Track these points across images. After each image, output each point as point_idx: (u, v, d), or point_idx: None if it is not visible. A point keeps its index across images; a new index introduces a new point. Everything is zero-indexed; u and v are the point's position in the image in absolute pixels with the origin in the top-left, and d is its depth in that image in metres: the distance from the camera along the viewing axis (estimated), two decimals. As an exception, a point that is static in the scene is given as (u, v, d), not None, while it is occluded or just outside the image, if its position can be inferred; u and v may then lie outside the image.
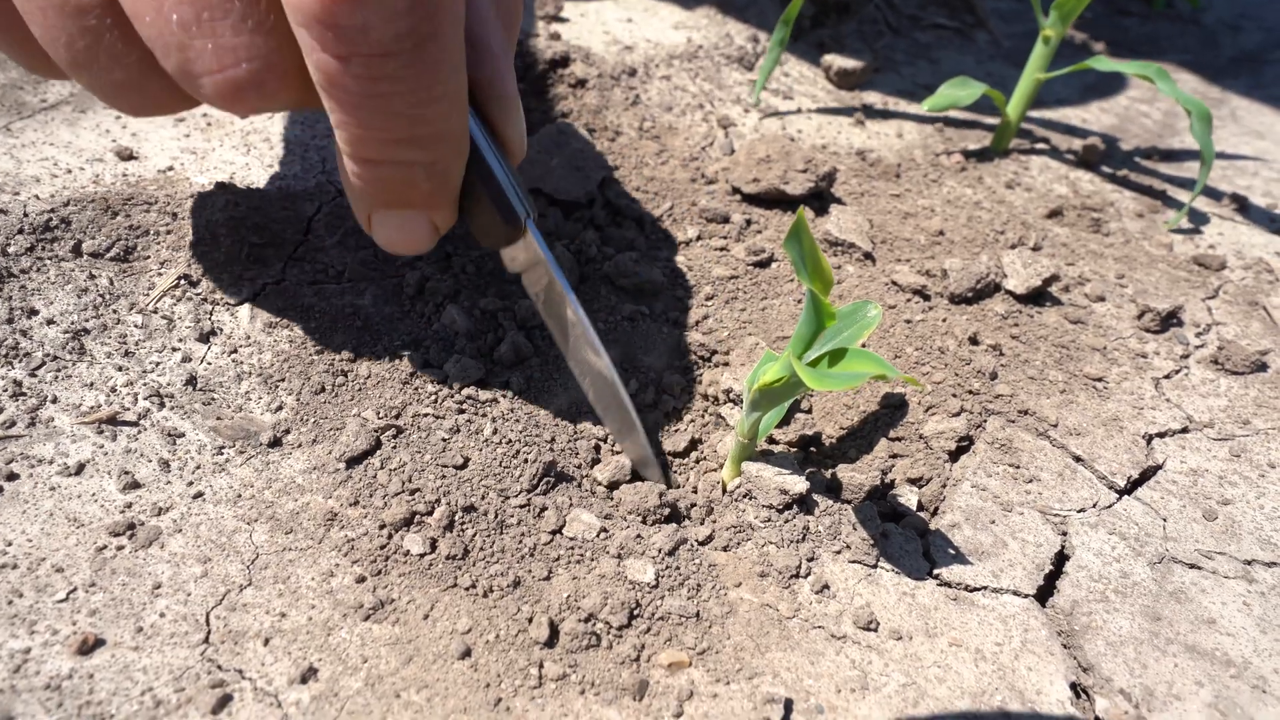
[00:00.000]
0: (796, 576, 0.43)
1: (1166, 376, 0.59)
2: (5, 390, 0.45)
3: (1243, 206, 0.80)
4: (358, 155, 0.37)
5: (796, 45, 0.96)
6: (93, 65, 0.37)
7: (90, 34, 0.36)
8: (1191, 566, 0.47)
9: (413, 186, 0.38)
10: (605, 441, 0.50)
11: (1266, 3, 1.30)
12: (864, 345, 0.54)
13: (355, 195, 0.40)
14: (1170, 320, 0.63)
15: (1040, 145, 0.87)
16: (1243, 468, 0.53)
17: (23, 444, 0.44)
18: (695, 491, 0.49)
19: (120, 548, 0.40)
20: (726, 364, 0.55)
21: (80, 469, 0.43)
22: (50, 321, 0.48)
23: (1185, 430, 0.55)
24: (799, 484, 0.45)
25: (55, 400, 0.46)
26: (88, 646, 0.36)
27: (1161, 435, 0.55)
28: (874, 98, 0.91)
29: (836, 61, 0.91)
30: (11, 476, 0.42)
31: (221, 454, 0.46)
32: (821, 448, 0.53)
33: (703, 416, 0.53)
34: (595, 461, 0.48)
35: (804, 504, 0.46)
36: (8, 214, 0.52)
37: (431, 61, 0.33)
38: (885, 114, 0.88)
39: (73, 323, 0.49)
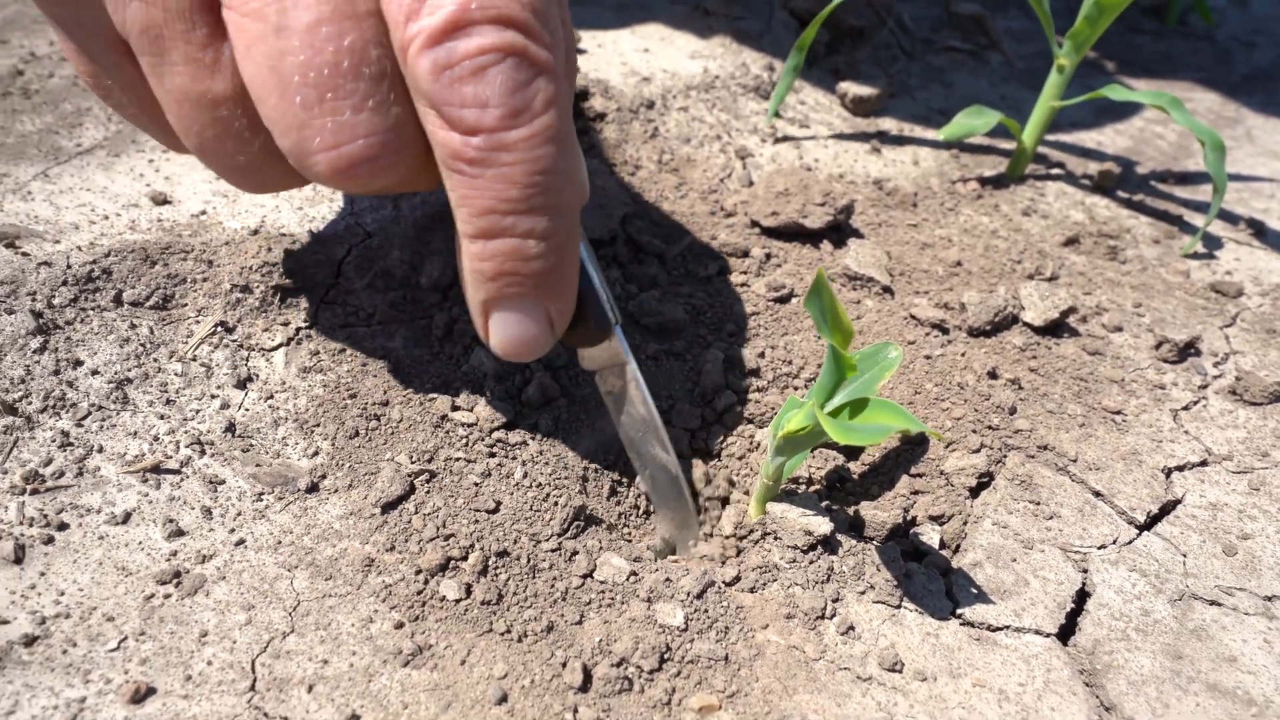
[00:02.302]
0: (822, 618, 0.44)
1: (1185, 408, 0.60)
2: (54, 441, 0.47)
3: (1259, 231, 0.80)
4: (477, 230, 0.38)
5: (811, 72, 0.98)
6: (220, 151, 0.39)
7: (220, 124, 0.38)
8: (1212, 603, 0.47)
9: (529, 262, 0.38)
10: (624, 485, 0.51)
11: (1280, 17, 1.30)
12: (885, 384, 0.55)
13: (475, 284, 0.40)
14: (1188, 350, 0.64)
15: (1056, 170, 0.87)
16: (1262, 501, 0.54)
17: (72, 494, 0.45)
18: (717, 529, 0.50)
19: (167, 596, 0.42)
20: (746, 407, 0.56)
21: (127, 518, 0.45)
22: (95, 372, 0.50)
23: (1204, 463, 0.56)
24: (823, 525, 0.46)
25: (101, 450, 0.47)
26: (140, 695, 0.38)
27: (1180, 469, 0.55)
28: (889, 124, 0.92)
29: (851, 89, 0.92)
30: (62, 526, 0.44)
31: (261, 500, 0.47)
32: (846, 484, 0.54)
33: (732, 459, 0.54)
34: (629, 507, 0.50)
35: (828, 544, 0.47)
36: (52, 266, 0.53)
37: (549, 134, 0.35)
38: (901, 140, 0.89)
39: (116, 372, 0.50)
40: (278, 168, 0.40)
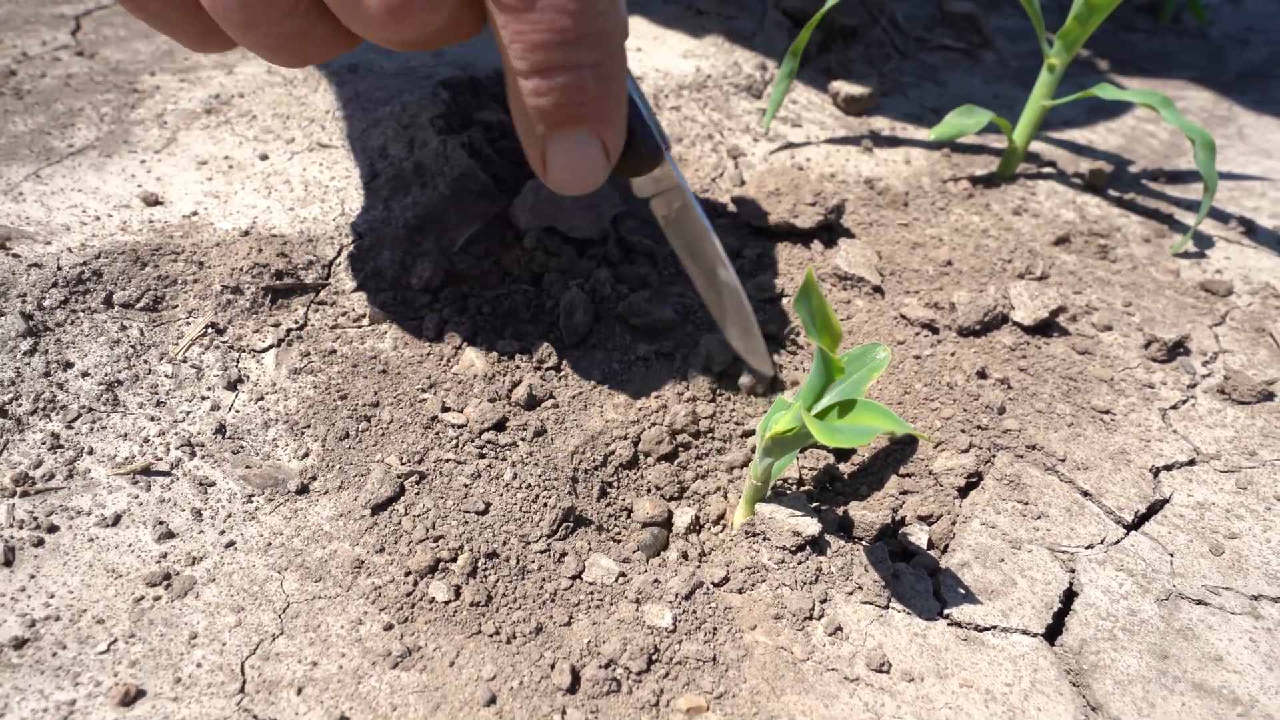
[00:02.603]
0: (810, 618, 0.44)
1: (1173, 407, 0.60)
2: (44, 443, 0.47)
3: (1250, 229, 0.81)
4: (531, 65, 0.38)
5: (804, 71, 0.98)
6: (264, 20, 0.39)
7: None
8: (1199, 603, 0.47)
9: (584, 92, 0.39)
10: (613, 486, 0.51)
11: (1274, 15, 1.31)
12: (874, 385, 0.55)
13: (532, 117, 0.41)
14: (1177, 349, 0.64)
15: (1047, 169, 0.87)
16: (1249, 500, 0.54)
17: (62, 496, 0.45)
18: (700, 529, 0.50)
19: (157, 598, 0.42)
20: (734, 408, 0.56)
21: (117, 520, 0.45)
22: (85, 374, 0.50)
23: (1192, 463, 0.56)
24: (811, 526, 0.47)
25: (91, 452, 0.47)
26: (129, 698, 0.38)
27: (1168, 468, 0.56)
28: (881, 123, 0.92)
29: (844, 88, 0.92)
30: (52, 529, 0.44)
31: (251, 502, 0.47)
32: (835, 484, 0.54)
33: (719, 456, 0.54)
34: (618, 509, 0.50)
35: (816, 545, 0.47)
36: (42, 267, 0.53)
37: None
38: (893, 140, 0.89)
39: (106, 374, 0.50)
40: (323, 28, 0.40)
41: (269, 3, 0.38)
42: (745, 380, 0.56)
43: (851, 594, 0.46)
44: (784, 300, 0.64)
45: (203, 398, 0.51)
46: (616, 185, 0.73)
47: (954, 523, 0.51)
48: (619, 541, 0.49)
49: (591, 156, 0.42)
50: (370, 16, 0.37)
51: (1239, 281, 0.74)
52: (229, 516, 0.46)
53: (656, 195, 0.51)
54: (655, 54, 0.95)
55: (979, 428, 0.56)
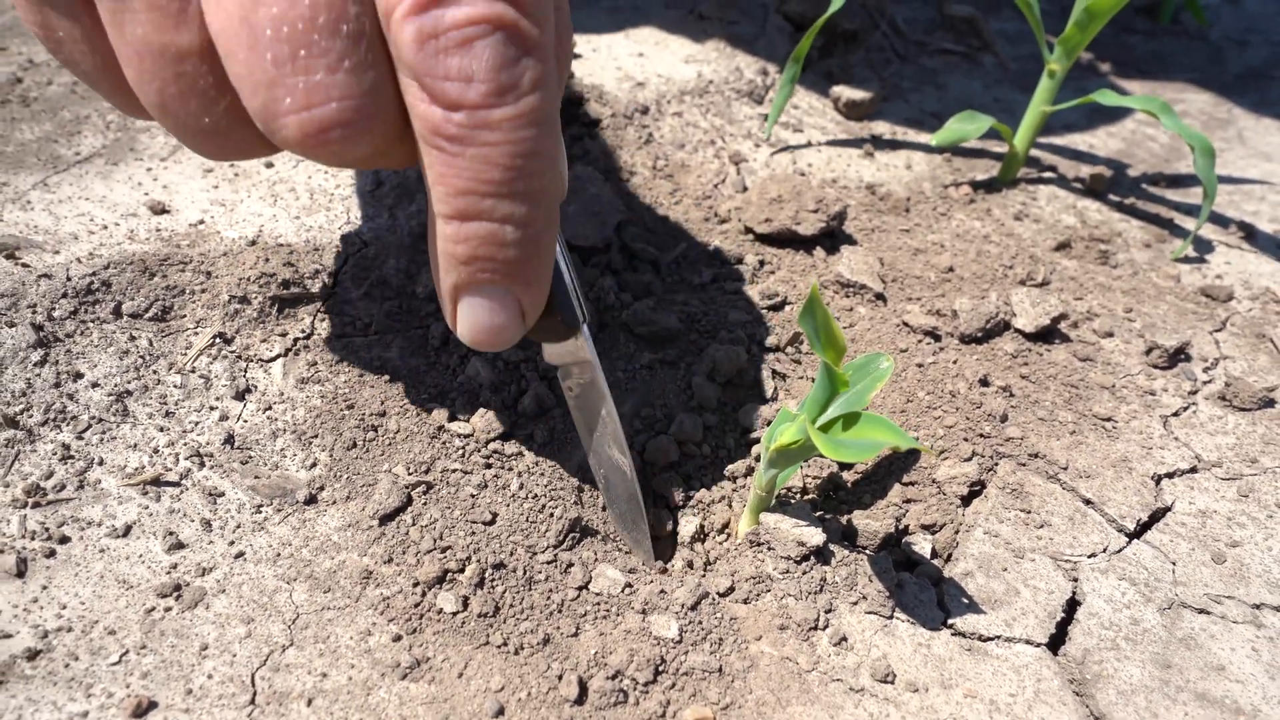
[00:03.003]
0: (815, 629, 0.45)
1: (1175, 414, 0.61)
2: (55, 454, 0.47)
3: (1250, 234, 0.81)
4: (453, 210, 0.36)
5: (805, 76, 0.98)
6: (182, 111, 0.37)
7: (184, 80, 0.36)
8: (1201, 611, 0.48)
9: (505, 249, 0.37)
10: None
11: (1273, 16, 1.31)
12: (877, 394, 0.55)
13: (445, 266, 0.38)
14: (1178, 356, 0.65)
15: (1048, 174, 0.88)
16: (1251, 508, 0.54)
17: (73, 507, 0.46)
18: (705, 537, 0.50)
19: (168, 609, 0.42)
20: (737, 417, 0.57)
21: (127, 530, 0.45)
22: (95, 384, 0.50)
23: (1194, 470, 0.57)
24: (816, 536, 0.47)
25: (102, 462, 0.48)
26: (141, 710, 0.38)
27: (1170, 475, 0.56)
28: (882, 127, 0.92)
29: (845, 93, 0.92)
30: (64, 539, 0.44)
31: (260, 512, 0.47)
32: (839, 492, 0.55)
33: (724, 466, 0.55)
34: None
35: (821, 555, 0.47)
36: (52, 278, 0.54)
37: (535, 116, 0.34)
38: (894, 144, 0.89)
39: (116, 385, 0.51)
40: (243, 132, 0.37)
41: (188, 95, 0.36)
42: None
43: (856, 604, 0.46)
44: (787, 308, 0.64)
45: (211, 408, 0.52)
46: (620, 194, 0.74)
47: (957, 531, 0.51)
48: (624, 552, 0.49)
49: (504, 315, 0.39)
50: (286, 137, 0.35)
51: (1239, 287, 0.74)
52: (238, 527, 0.47)
53: (568, 365, 0.47)
54: (657, 59, 0.95)
55: (981, 436, 0.56)
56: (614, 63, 0.93)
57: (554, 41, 0.35)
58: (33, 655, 0.40)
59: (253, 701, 0.39)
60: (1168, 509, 0.54)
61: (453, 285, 0.39)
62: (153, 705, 0.39)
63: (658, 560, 0.50)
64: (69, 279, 0.54)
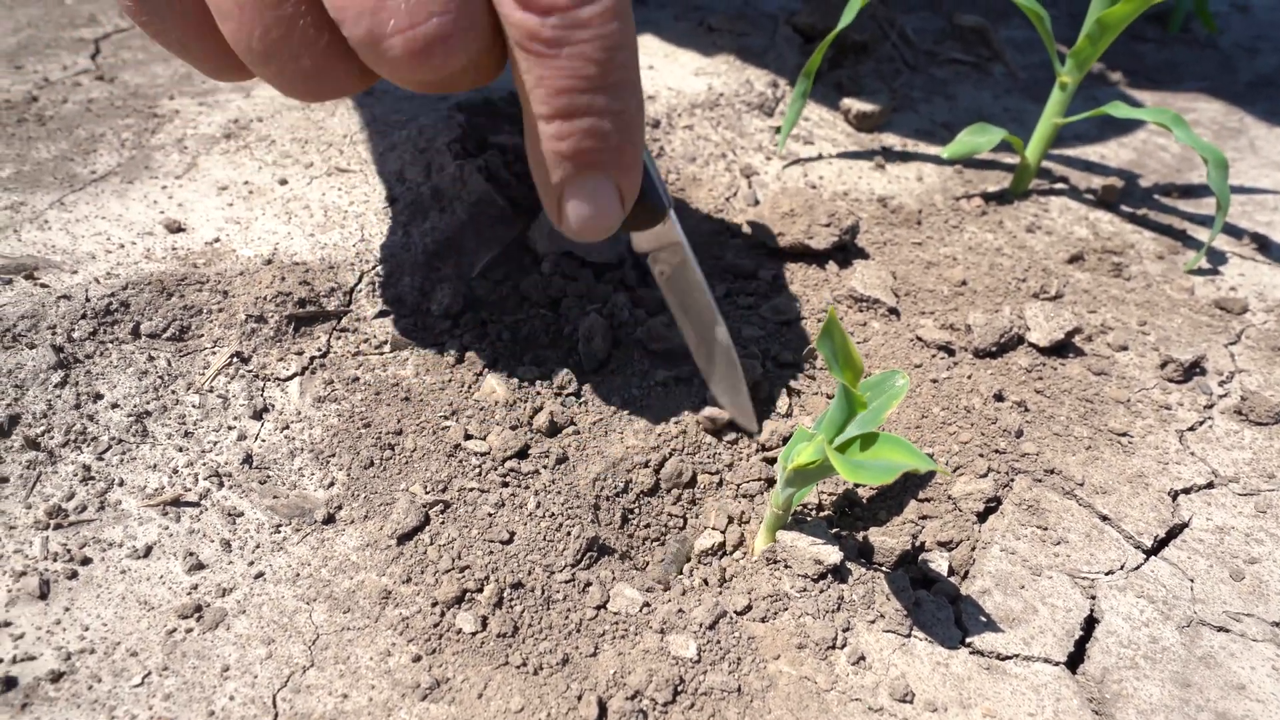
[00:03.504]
0: (833, 648, 0.45)
1: (1191, 429, 0.60)
2: (76, 475, 0.48)
3: (1263, 245, 0.81)
4: (554, 109, 0.38)
5: (815, 88, 0.98)
6: (284, 54, 0.39)
7: (285, 23, 0.38)
8: (1220, 629, 0.48)
9: (605, 139, 0.40)
10: (635, 513, 0.52)
11: (1284, 24, 1.31)
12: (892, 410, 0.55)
13: (552, 164, 0.41)
14: (1193, 370, 0.64)
15: (1059, 185, 0.88)
16: (1268, 524, 0.54)
17: (94, 528, 0.46)
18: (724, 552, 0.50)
19: (189, 630, 0.43)
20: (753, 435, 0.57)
21: (148, 551, 0.46)
22: (114, 405, 0.51)
23: (1210, 485, 0.56)
24: (833, 554, 0.47)
25: (122, 483, 0.48)
26: (165, 732, 0.39)
27: (1187, 491, 0.56)
28: (893, 139, 0.92)
29: (855, 105, 0.92)
30: (85, 561, 0.45)
31: (279, 532, 0.48)
32: (855, 508, 0.55)
33: (741, 483, 0.55)
34: (639, 540, 0.50)
35: (838, 573, 0.47)
36: (71, 299, 0.54)
37: (618, 8, 0.36)
38: (905, 156, 0.89)
39: (135, 405, 0.51)
40: (344, 66, 0.39)
41: (289, 37, 0.38)
42: (708, 414, 0.55)
43: (874, 622, 0.46)
44: (801, 323, 0.65)
45: (229, 427, 0.52)
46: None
47: (974, 548, 0.51)
48: (641, 570, 0.49)
49: (608, 203, 0.42)
50: (393, 57, 0.37)
51: (1254, 299, 0.74)
52: (257, 547, 0.47)
53: (657, 250, 0.52)
54: (667, 72, 0.95)
55: (997, 451, 0.56)
56: (624, 76, 0.93)
57: None
58: (56, 677, 0.40)
59: (274, 723, 0.40)
60: (1185, 525, 0.54)
61: (560, 181, 0.41)
62: (175, 727, 0.39)
63: (759, 425, 0.55)
64: (88, 299, 0.54)
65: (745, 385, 0.55)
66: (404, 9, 0.36)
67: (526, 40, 0.37)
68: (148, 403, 0.52)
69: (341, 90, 0.42)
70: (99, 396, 0.51)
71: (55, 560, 0.44)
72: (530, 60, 0.37)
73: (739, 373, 0.54)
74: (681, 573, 0.50)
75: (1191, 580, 0.50)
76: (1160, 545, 0.52)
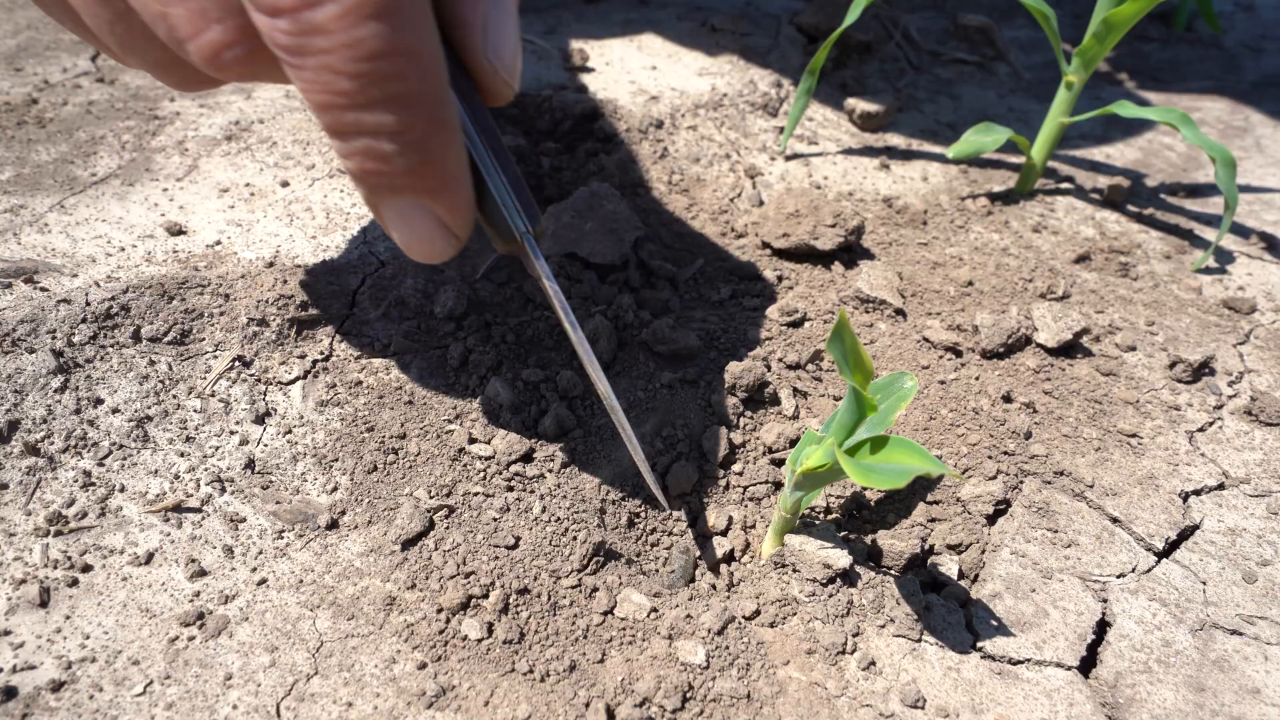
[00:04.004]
0: (843, 653, 0.44)
1: (1200, 429, 0.60)
2: (76, 481, 0.47)
3: (1271, 244, 0.80)
4: (324, 126, 0.33)
5: (819, 88, 0.97)
6: (134, 46, 0.37)
7: (121, 18, 0.36)
8: (1233, 633, 0.47)
9: (389, 161, 0.34)
10: (641, 517, 0.51)
11: (1288, 22, 1.30)
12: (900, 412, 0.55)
13: (353, 182, 0.37)
14: (1202, 370, 0.64)
15: (1065, 184, 0.87)
16: (1280, 526, 0.53)
17: (94, 535, 0.46)
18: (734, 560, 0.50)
19: (191, 638, 0.42)
20: (759, 436, 0.56)
21: (149, 558, 0.45)
22: (115, 410, 0.50)
23: (1221, 487, 0.56)
24: (842, 558, 0.46)
25: (123, 489, 0.48)
26: (167, 742, 0.38)
27: (1197, 493, 0.55)
28: (897, 139, 0.92)
29: (860, 105, 0.92)
30: (86, 568, 0.44)
31: (282, 538, 0.47)
32: (863, 511, 0.54)
33: (748, 486, 0.54)
34: (646, 544, 0.50)
35: (847, 577, 0.47)
36: (71, 303, 0.54)
37: (369, 9, 0.30)
38: (909, 155, 0.89)
39: (136, 410, 0.51)
40: (187, 64, 0.37)
41: (130, 35, 0.37)
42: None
43: (883, 627, 0.46)
44: (807, 324, 0.64)
45: (231, 432, 0.51)
46: (636, 209, 0.73)
47: (983, 551, 0.51)
48: (649, 575, 0.49)
49: (425, 228, 0.37)
50: (199, 65, 0.35)
51: (1262, 299, 0.73)
52: (260, 553, 0.46)
53: (535, 277, 0.44)
54: (670, 72, 0.95)
55: (1006, 453, 0.56)
56: (627, 76, 0.93)
57: None
58: (57, 687, 0.39)
59: (278, 732, 0.39)
60: (1196, 527, 0.53)
61: (365, 200, 0.37)
62: (178, 737, 0.38)
63: (669, 505, 0.50)
64: (88, 303, 0.54)
65: (642, 456, 0.46)
66: (184, 16, 0.33)
67: (272, 48, 0.31)
68: (149, 407, 0.51)
69: (204, 82, 0.39)
70: (99, 401, 0.50)
71: (55, 568, 0.44)
72: (287, 70, 0.32)
73: (632, 441, 0.46)
74: (690, 586, 0.50)
75: (1204, 583, 0.50)
76: (1172, 547, 0.52)
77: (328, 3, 0.29)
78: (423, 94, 0.32)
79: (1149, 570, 0.50)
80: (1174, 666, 0.45)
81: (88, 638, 0.41)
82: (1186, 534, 0.53)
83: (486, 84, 0.37)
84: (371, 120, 0.32)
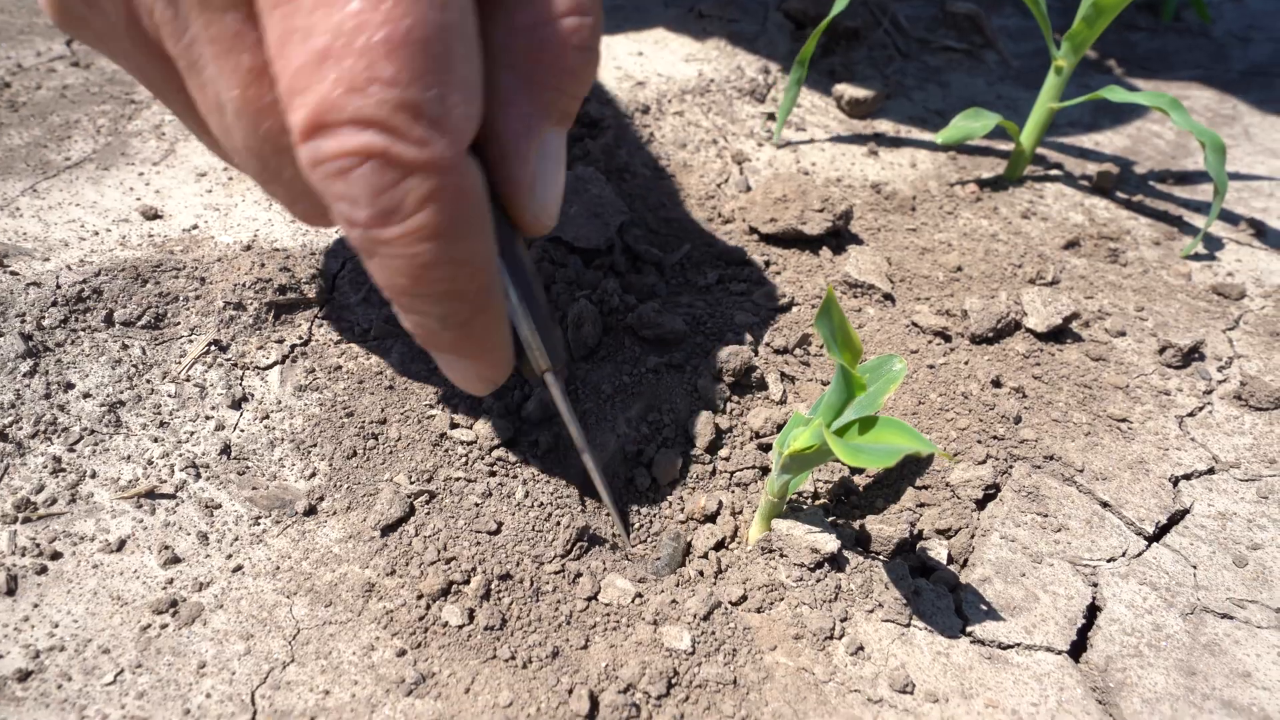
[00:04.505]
0: (831, 638, 0.44)
1: (1190, 414, 0.59)
2: (46, 467, 0.46)
3: (1260, 231, 0.80)
4: (390, 298, 0.37)
5: (808, 74, 0.97)
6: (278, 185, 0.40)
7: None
8: (1224, 616, 0.47)
9: (436, 336, 0.38)
10: (627, 501, 0.50)
11: (1276, 13, 1.30)
12: (889, 396, 0.54)
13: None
14: (1192, 355, 0.63)
15: (1054, 171, 0.87)
16: (1271, 510, 0.53)
17: (64, 521, 0.44)
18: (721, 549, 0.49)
19: (164, 626, 0.41)
20: (746, 420, 0.55)
21: (121, 545, 0.44)
22: (86, 395, 0.49)
23: (1211, 471, 0.55)
24: (830, 543, 0.46)
25: (94, 475, 0.46)
26: (137, 732, 0.37)
27: (1187, 477, 0.55)
28: (886, 126, 0.91)
29: (848, 91, 0.91)
30: (55, 555, 0.43)
31: (258, 524, 0.46)
32: (851, 496, 0.53)
33: (735, 471, 0.54)
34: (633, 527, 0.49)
35: (835, 562, 0.46)
36: (41, 286, 0.52)
37: (427, 232, 0.33)
38: (898, 142, 0.88)
39: (108, 395, 0.49)
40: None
41: (276, 172, 0.38)
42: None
43: (872, 612, 0.45)
44: (794, 309, 0.63)
45: (207, 417, 0.50)
46: (622, 194, 0.72)
47: (973, 536, 0.50)
48: (633, 561, 0.48)
49: (467, 379, 0.42)
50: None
51: (1251, 284, 0.73)
52: (236, 540, 0.45)
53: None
54: (657, 58, 0.94)
55: (995, 438, 0.55)
56: (614, 62, 0.92)
57: (462, 141, 0.34)
58: (24, 676, 0.38)
59: (252, 721, 0.38)
60: (1186, 511, 0.53)
61: (421, 347, 0.42)
62: (149, 726, 0.37)
63: (628, 537, 0.50)
64: (59, 287, 0.53)
65: (608, 498, 0.48)
66: (280, 194, 0.38)
67: (348, 241, 0.37)
68: (121, 392, 0.50)
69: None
70: (70, 386, 0.49)
71: (24, 555, 0.42)
72: (359, 255, 0.37)
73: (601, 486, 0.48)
74: (677, 572, 0.49)
75: (1194, 567, 0.49)
76: (1162, 532, 0.51)
77: (391, 226, 0.33)
78: (469, 291, 0.37)
79: (1139, 554, 0.50)
80: (1164, 650, 0.45)
81: (56, 626, 0.40)
82: (1177, 518, 0.52)
83: (528, 229, 0.41)
84: (422, 306, 0.37)
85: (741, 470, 0.53)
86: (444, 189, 0.33)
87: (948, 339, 0.63)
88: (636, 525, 0.50)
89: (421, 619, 0.42)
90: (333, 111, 0.31)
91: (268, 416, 0.51)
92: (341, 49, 0.30)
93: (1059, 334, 0.64)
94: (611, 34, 0.98)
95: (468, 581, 0.44)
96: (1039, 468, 0.54)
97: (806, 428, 0.42)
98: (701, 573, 0.48)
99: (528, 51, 0.37)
